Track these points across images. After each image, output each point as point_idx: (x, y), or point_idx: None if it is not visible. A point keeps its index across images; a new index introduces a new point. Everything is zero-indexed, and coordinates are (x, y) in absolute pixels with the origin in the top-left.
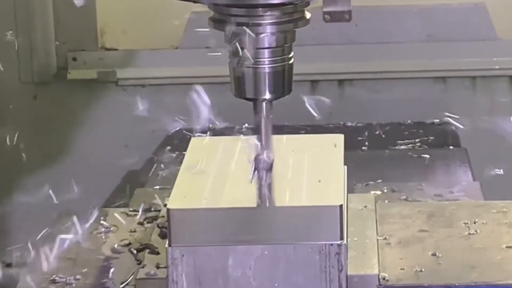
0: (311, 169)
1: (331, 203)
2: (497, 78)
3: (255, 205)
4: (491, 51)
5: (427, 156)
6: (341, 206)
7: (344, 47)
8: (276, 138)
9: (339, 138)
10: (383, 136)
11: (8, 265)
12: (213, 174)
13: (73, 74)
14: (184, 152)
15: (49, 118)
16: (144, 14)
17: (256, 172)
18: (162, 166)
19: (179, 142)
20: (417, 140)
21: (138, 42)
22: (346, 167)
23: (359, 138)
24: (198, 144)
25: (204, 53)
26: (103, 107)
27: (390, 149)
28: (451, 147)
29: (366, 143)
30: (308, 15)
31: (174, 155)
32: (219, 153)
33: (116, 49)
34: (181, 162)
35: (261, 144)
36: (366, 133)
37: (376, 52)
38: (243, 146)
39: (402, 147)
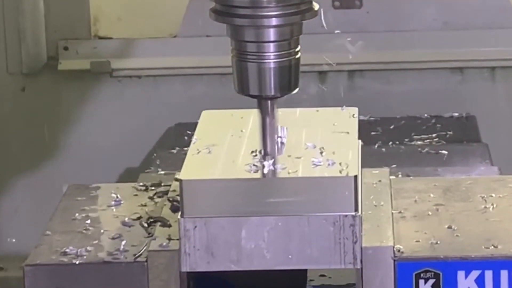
0: (325, 140)
1: (345, 174)
2: None
3: (268, 176)
4: (511, 40)
5: (445, 152)
6: (355, 176)
7: (355, 36)
8: (289, 111)
9: (354, 110)
10: (398, 131)
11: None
12: (226, 145)
13: (64, 64)
14: (186, 149)
15: (39, 112)
16: (141, 0)
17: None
18: (162, 163)
19: (179, 137)
20: (434, 135)
21: (134, 30)
22: (360, 141)
23: (372, 133)
24: (209, 117)
25: (204, 41)
26: (96, 99)
27: (406, 144)
28: (471, 142)
29: (380, 139)
30: (316, 6)
31: (174, 151)
32: (231, 125)
33: (110, 38)
34: (182, 160)
35: (266, 145)
36: (380, 128)
37: (388, 41)
38: (256, 118)
39: (419, 142)
